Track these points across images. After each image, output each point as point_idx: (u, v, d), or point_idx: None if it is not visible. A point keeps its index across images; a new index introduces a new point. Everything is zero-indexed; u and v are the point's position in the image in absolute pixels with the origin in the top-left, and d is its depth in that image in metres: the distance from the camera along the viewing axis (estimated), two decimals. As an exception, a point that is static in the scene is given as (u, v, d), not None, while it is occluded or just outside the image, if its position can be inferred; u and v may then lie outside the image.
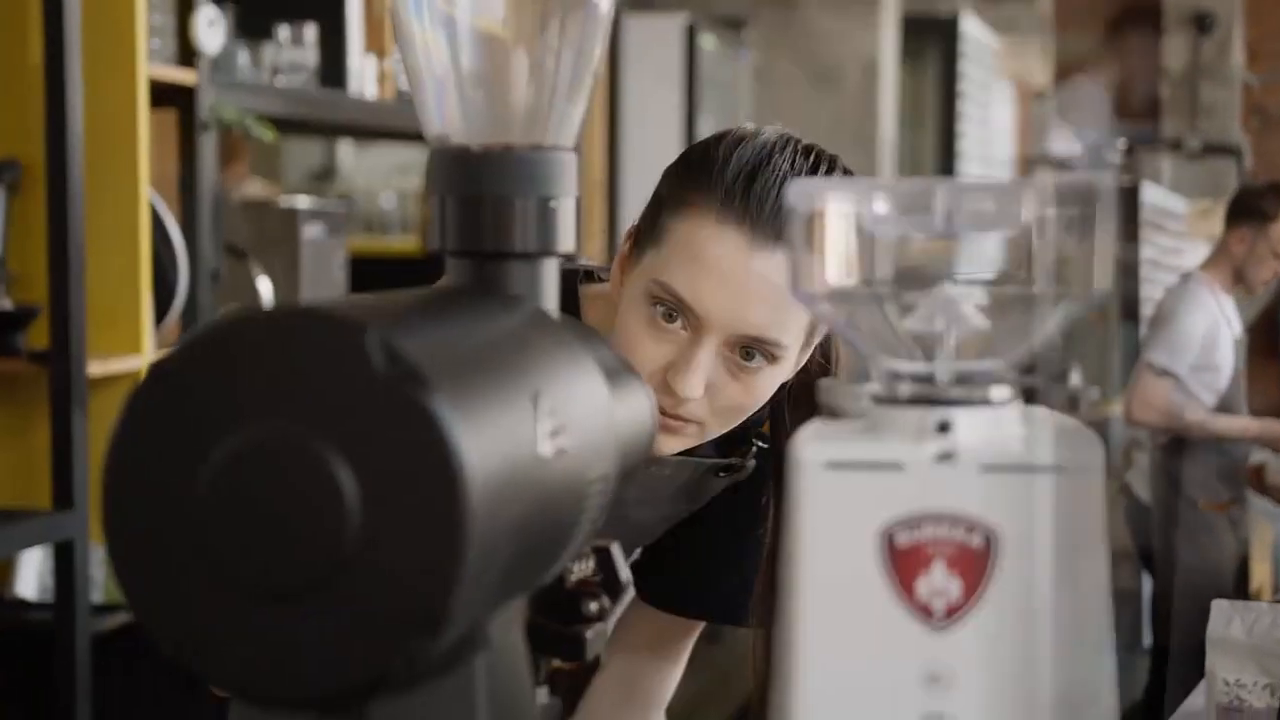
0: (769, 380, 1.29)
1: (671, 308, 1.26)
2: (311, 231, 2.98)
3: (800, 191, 0.71)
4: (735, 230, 1.25)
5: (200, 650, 0.62)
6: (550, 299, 0.81)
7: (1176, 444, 4.38)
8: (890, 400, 0.71)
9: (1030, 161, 8.19)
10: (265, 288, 2.90)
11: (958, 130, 7.58)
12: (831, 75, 5.56)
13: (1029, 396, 0.74)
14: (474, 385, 0.64)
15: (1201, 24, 9.43)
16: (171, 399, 0.63)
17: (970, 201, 0.69)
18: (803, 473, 0.69)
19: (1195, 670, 4.13)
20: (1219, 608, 1.99)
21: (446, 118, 0.82)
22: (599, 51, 0.85)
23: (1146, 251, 6.81)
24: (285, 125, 3.18)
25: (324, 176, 5.71)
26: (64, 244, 2.34)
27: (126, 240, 2.48)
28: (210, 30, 2.64)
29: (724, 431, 1.32)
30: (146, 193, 2.51)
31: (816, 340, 1.35)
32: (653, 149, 4.58)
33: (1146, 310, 7.33)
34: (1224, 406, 4.35)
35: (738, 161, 1.28)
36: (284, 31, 3.04)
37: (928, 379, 0.71)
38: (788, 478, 0.71)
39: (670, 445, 1.31)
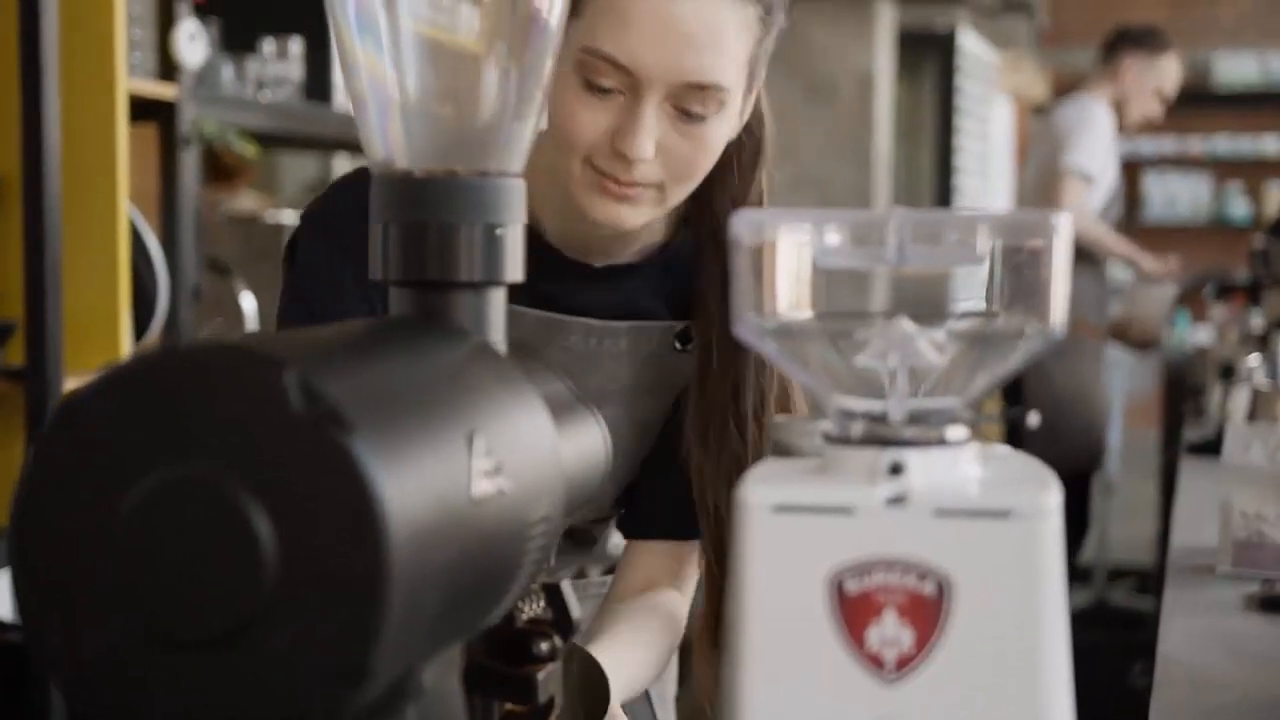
0: (717, 131, 1.26)
1: (604, 73, 1.22)
2: (297, 246, 2.94)
3: (747, 222, 0.68)
4: None
5: (109, 698, 0.59)
6: (497, 330, 0.79)
7: None
8: (842, 440, 0.68)
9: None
10: (249, 304, 2.88)
11: (955, 145, 7.55)
12: (827, 90, 5.54)
13: (1014, 429, 0.72)
14: (401, 425, 0.61)
15: None
16: (85, 436, 0.60)
17: (923, 234, 0.67)
18: (749, 516, 0.66)
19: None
20: (1235, 431, 1.84)
21: (390, 142, 0.79)
22: (548, 70, 0.82)
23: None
24: (270, 139, 3.15)
25: (319, 189, 5.67)
26: (41, 259, 2.31)
27: (105, 255, 2.46)
28: (191, 44, 2.61)
29: (683, 196, 1.29)
30: (126, 208, 2.48)
31: (757, 85, 1.32)
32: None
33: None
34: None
35: None
36: (268, 45, 3.01)
37: (881, 417, 0.69)
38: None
39: (632, 215, 1.28)
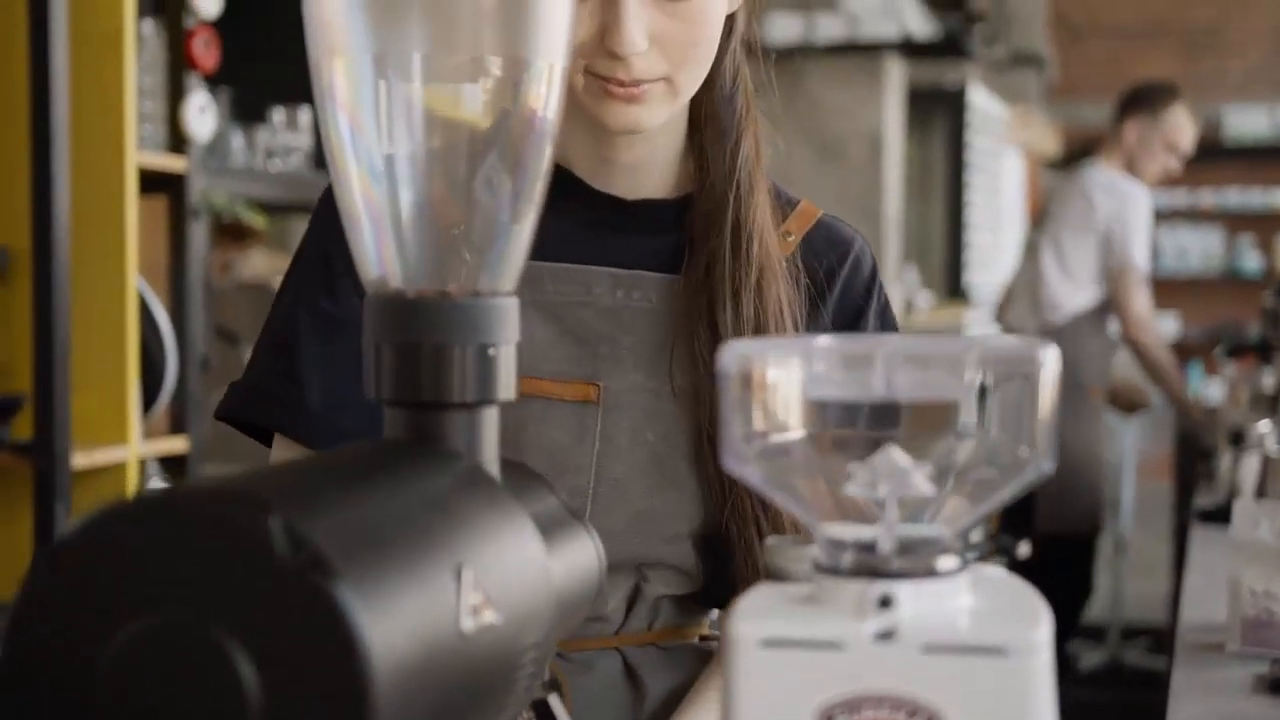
0: (710, 4, 1.19)
1: None
2: (306, 314, 2.94)
3: (734, 353, 0.68)
4: None
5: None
6: (489, 449, 0.79)
7: (1073, 331, 4.45)
8: (831, 570, 0.68)
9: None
10: (257, 372, 2.86)
11: (965, 200, 7.57)
12: (836, 149, 5.55)
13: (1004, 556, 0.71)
14: (388, 564, 0.61)
15: None
16: (71, 580, 0.60)
17: (910, 366, 0.67)
18: (738, 650, 0.66)
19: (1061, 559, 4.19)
20: (1243, 508, 1.82)
21: (383, 261, 0.79)
22: (541, 185, 0.82)
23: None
24: (280, 208, 3.16)
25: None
26: (49, 333, 2.32)
27: (114, 329, 2.46)
28: (201, 117, 2.62)
29: (696, 83, 1.22)
30: (135, 281, 2.49)
31: None
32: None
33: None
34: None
35: None
36: (278, 114, 3.03)
37: (870, 546, 0.68)
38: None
39: (647, 115, 1.21)
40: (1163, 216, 10.25)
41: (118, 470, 2.51)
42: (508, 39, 0.77)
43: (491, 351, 0.78)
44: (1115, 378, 4.78)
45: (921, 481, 0.68)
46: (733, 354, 0.68)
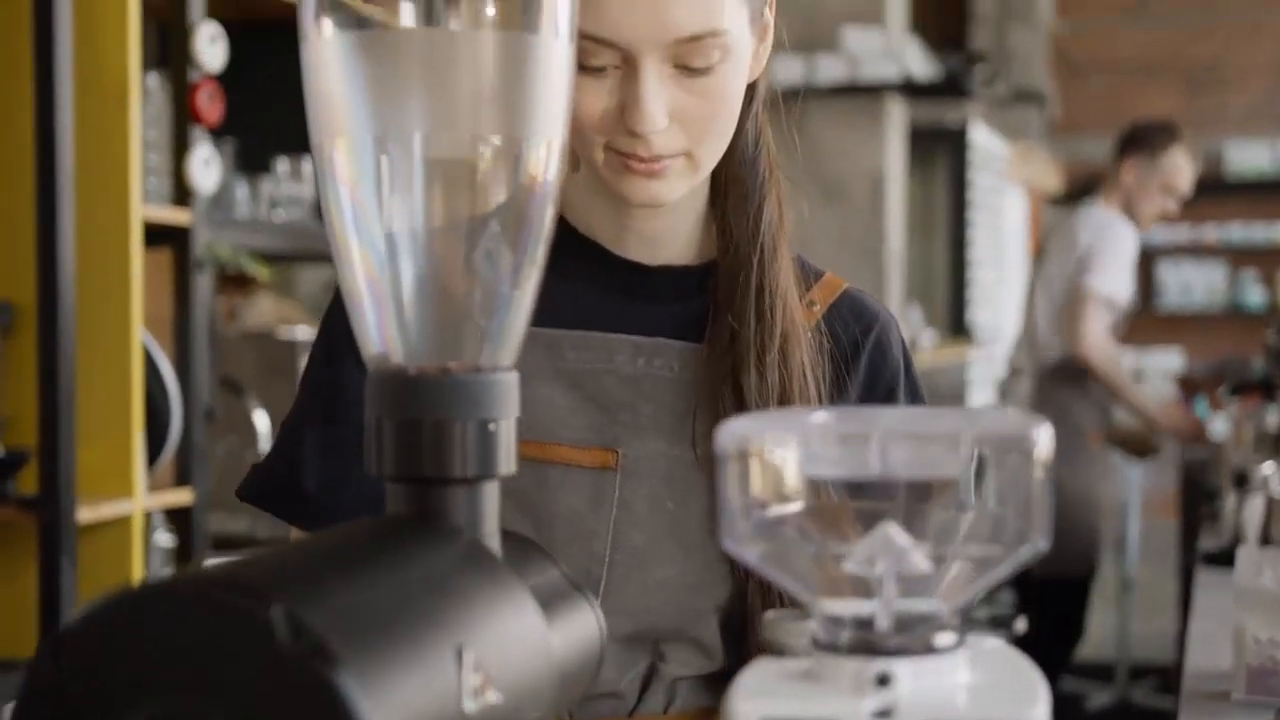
0: (730, 78, 1.17)
1: (591, 53, 1.14)
2: (312, 362, 2.95)
3: (731, 433, 0.68)
4: None
5: None
6: (490, 523, 0.79)
7: (1063, 371, 4.40)
8: (829, 647, 0.69)
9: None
10: (262, 422, 2.89)
11: (968, 238, 7.59)
12: (839, 190, 5.57)
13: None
14: (389, 649, 0.62)
15: None
16: (75, 668, 0.60)
17: (906, 444, 0.67)
18: (738, 728, 0.66)
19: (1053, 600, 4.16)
20: (1246, 555, 1.81)
21: (385, 338, 0.80)
22: (540, 257, 0.83)
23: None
24: (284, 258, 3.18)
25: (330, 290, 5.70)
26: (54, 388, 2.33)
27: (119, 382, 2.47)
28: (206, 170, 2.64)
29: (716, 156, 1.20)
30: (140, 335, 2.50)
31: (768, 23, 1.25)
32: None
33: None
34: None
35: None
36: (282, 164, 3.05)
37: (868, 622, 0.69)
38: None
39: (667, 190, 1.19)
40: (1166, 251, 10.28)
41: (123, 524, 2.52)
42: (506, 118, 0.78)
43: (492, 427, 0.79)
44: (1120, 422, 4.77)
45: (919, 558, 0.68)
46: (730, 433, 0.68)
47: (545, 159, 0.80)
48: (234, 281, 3.41)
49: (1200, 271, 10.37)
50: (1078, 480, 4.35)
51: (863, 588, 0.70)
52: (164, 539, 2.76)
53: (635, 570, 1.21)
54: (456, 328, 0.80)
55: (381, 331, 0.80)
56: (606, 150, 1.18)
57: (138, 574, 2.53)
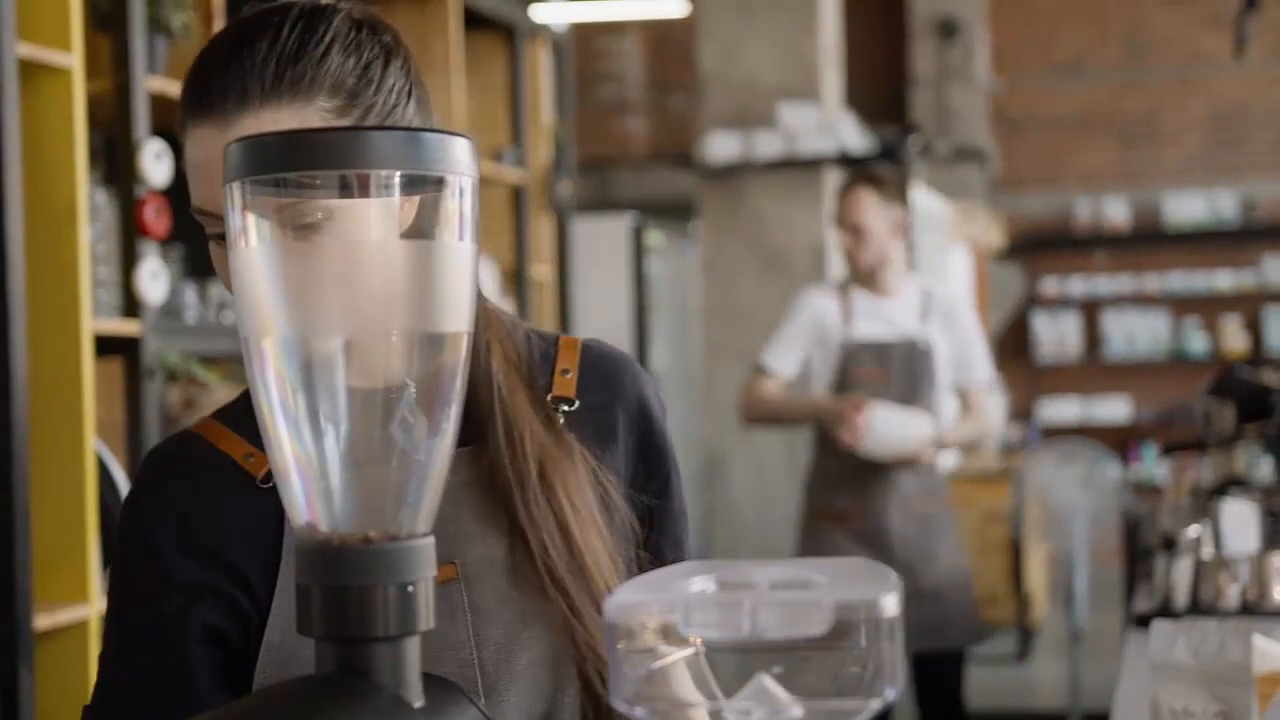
0: (353, 236, 1.12)
1: (212, 223, 1.19)
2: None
3: (618, 605, 0.77)
4: (206, 120, 1.18)
5: None
6: (412, 674, 0.88)
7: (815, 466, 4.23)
8: (711, 790, 0.77)
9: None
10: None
11: (913, 299, 7.70)
12: (781, 261, 5.68)
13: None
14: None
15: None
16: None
17: (774, 612, 0.76)
18: None
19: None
20: (1160, 629, 1.86)
21: (312, 510, 0.89)
22: (452, 428, 0.91)
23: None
24: (234, 359, 3.26)
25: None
26: (9, 499, 2.39)
27: (73, 491, 2.54)
28: (154, 282, 2.72)
29: None
30: (92, 444, 2.57)
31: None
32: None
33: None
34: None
35: (202, 55, 1.21)
36: (230, 268, 3.13)
37: (746, 766, 0.77)
38: None
39: None
40: (1110, 302, 10.45)
41: (79, 629, 2.58)
42: (418, 314, 0.87)
43: (411, 589, 0.87)
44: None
45: (791, 708, 0.77)
46: (616, 607, 0.77)
47: (453, 345, 0.89)
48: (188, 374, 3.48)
49: (1144, 321, 10.54)
50: (940, 563, 4.21)
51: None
52: None
53: (504, 664, 1.26)
54: (376, 499, 0.89)
55: (308, 504, 0.89)
56: None
57: (94, 677, 2.58)
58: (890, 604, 0.76)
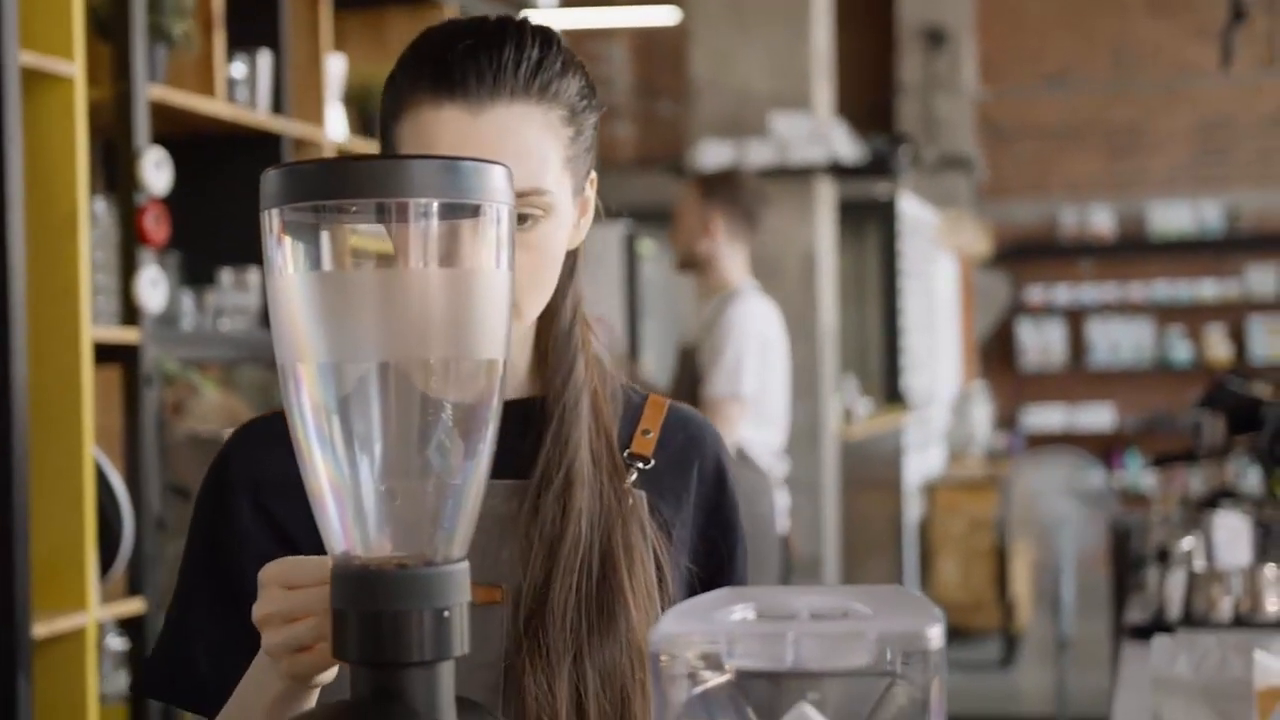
0: (552, 235, 1.25)
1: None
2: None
3: (663, 635, 0.78)
4: (452, 102, 1.21)
5: None
6: (445, 697, 0.88)
7: None
8: (751, 819, 0.78)
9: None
10: (211, 527, 2.93)
11: (900, 306, 7.73)
12: (773, 269, 5.68)
13: None
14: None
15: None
16: None
17: (817, 643, 0.77)
18: None
19: None
20: (1161, 644, 1.87)
21: (348, 537, 0.89)
22: (487, 456, 0.92)
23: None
24: (231, 364, 3.26)
25: (273, 387, 5.76)
26: (9, 508, 2.39)
27: (71, 500, 2.54)
28: (153, 290, 2.72)
29: (538, 307, 1.26)
30: (91, 452, 2.57)
31: (590, 189, 1.31)
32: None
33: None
34: None
35: (437, 39, 1.25)
36: (227, 275, 3.13)
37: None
38: None
39: None
40: (1094, 310, 10.48)
41: (77, 636, 2.57)
42: (454, 341, 0.88)
43: (446, 614, 0.88)
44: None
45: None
46: (660, 637, 0.78)
47: (489, 372, 0.90)
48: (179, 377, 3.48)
49: (1128, 329, 10.57)
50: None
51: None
52: (116, 643, 2.82)
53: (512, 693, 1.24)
54: (412, 526, 0.90)
55: (344, 530, 0.89)
56: None
57: (92, 685, 2.59)
58: (935, 636, 0.76)
